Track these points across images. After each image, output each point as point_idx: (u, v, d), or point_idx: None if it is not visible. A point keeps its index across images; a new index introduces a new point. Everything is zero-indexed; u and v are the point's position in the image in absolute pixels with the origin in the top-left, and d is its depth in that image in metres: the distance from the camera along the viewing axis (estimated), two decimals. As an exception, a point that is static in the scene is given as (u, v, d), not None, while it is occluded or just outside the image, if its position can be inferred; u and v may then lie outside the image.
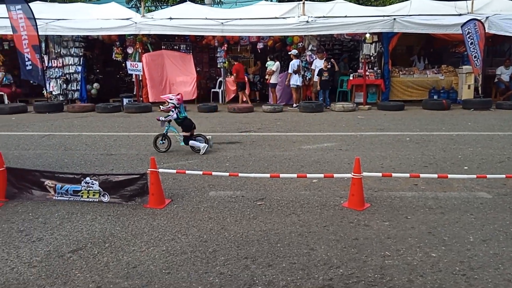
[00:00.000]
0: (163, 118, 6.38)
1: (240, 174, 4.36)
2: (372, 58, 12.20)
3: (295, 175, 4.45)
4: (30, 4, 11.35)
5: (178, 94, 6.46)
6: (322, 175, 4.22)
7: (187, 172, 4.53)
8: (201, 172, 4.57)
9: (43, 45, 12.03)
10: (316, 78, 11.93)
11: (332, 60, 11.97)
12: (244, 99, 12.51)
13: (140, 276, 2.81)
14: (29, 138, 7.72)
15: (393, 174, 4.17)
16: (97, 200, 4.21)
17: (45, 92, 12.29)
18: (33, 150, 6.73)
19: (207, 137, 6.49)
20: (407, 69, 12.82)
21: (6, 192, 4.29)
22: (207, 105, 11.69)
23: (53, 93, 12.69)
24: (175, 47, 13.34)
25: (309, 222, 3.66)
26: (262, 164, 5.73)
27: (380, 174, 4.17)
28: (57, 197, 4.27)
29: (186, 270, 2.88)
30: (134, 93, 13.08)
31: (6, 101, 12.62)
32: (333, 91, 12.67)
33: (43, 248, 3.24)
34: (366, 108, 11.53)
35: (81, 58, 12.90)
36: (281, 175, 4.40)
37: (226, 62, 12.80)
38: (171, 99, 6.23)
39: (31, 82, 12.47)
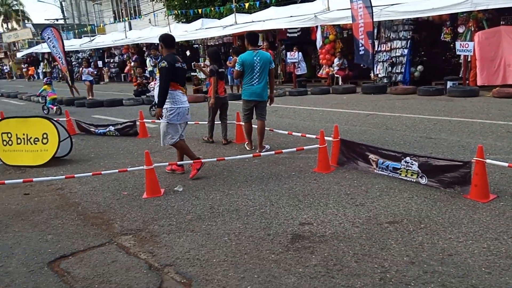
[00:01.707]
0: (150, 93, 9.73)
1: None
2: None
3: None
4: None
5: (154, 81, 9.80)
6: None
7: (522, 168, 3.87)
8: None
9: (375, 30, 12.98)
10: None
11: None
12: None
13: (456, 266, 2.70)
14: (356, 116, 8.69)
15: None
16: (414, 180, 4.29)
17: (372, 75, 13.35)
18: (359, 126, 7.55)
19: None
20: None
21: (338, 159, 5.07)
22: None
23: (379, 75, 13.60)
24: (519, 21, 11.29)
25: None
26: None
27: None
28: (378, 171, 4.65)
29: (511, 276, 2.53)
30: (460, 75, 12.13)
31: (340, 82, 14.62)
32: None
33: (365, 213, 3.65)
34: None
35: (409, 41, 13.10)
36: None
37: None
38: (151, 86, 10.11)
39: (361, 65, 13.80)
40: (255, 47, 5.87)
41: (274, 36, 17.32)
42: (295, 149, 4.99)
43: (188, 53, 21.29)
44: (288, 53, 15.28)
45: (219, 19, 20.19)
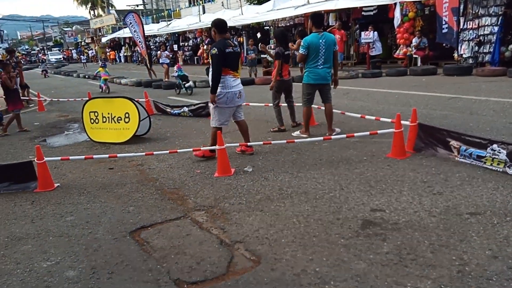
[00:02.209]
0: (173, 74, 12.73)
1: None
2: None
3: None
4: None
5: (176, 65, 14.13)
6: None
7: None
8: None
9: (461, 6, 11.89)
10: None
11: None
12: None
13: (549, 265, 2.44)
14: (437, 99, 8.11)
15: None
16: (500, 170, 3.93)
17: (456, 55, 12.31)
18: (439, 110, 7.04)
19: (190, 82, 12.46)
20: None
21: (414, 145, 4.79)
22: None
23: (463, 56, 12.51)
24: None
25: None
26: None
27: None
28: (460, 158, 4.32)
29: None
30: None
31: (419, 63, 13.71)
32: None
33: (443, 202, 3.43)
34: None
35: (500, 17, 11.80)
36: None
37: None
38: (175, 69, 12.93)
39: (443, 45, 12.80)
40: (319, 29, 5.71)
41: (348, 15, 16.66)
42: (368, 133, 4.82)
43: (259, 35, 21.35)
44: (363, 33, 14.64)
45: (291, -1, 19.86)
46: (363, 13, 15.78)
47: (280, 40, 6.56)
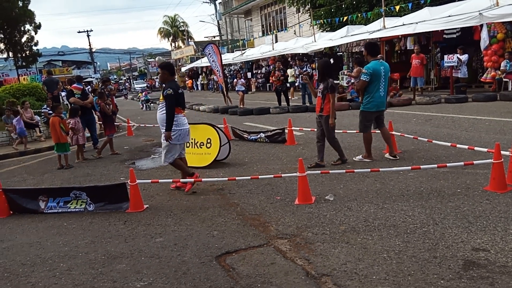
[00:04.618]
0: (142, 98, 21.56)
1: None
2: None
3: None
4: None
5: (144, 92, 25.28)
6: None
7: None
8: None
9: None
10: None
11: None
12: None
13: None
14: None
15: None
16: None
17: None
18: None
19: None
20: None
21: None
22: None
23: None
24: None
25: None
26: None
27: None
28: None
29: None
30: None
31: (509, 87, 12.61)
32: None
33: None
34: None
35: None
36: None
37: None
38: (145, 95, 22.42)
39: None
40: (376, 57, 5.81)
41: (428, 38, 15.98)
42: (462, 163, 4.46)
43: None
44: (445, 56, 13.88)
45: (365, 25, 19.62)
46: (444, 36, 15.02)
47: (328, 71, 6.16)
